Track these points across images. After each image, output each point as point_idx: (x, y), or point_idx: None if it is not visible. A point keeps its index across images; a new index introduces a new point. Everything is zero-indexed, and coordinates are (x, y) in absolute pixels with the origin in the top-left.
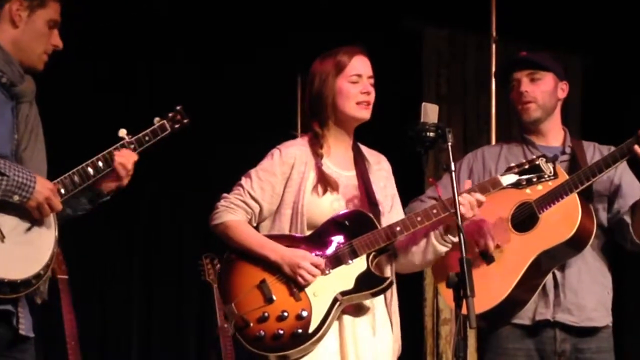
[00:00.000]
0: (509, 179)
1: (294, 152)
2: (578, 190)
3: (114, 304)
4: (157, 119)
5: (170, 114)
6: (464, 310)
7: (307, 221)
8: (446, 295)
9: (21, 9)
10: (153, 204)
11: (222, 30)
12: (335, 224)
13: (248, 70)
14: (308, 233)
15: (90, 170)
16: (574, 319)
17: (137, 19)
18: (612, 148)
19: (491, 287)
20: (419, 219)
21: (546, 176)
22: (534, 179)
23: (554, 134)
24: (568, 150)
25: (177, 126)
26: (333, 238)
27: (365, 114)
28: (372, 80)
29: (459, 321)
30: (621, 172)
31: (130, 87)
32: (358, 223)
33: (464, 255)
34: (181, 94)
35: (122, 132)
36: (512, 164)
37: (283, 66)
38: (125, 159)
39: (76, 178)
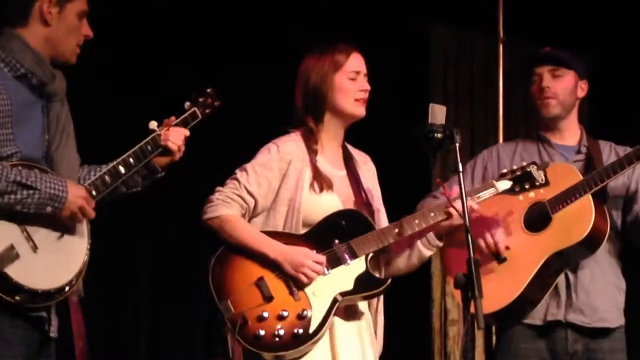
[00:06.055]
0: (504, 184)
1: (291, 148)
2: (592, 191)
3: (121, 302)
4: (187, 104)
5: (200, 99)
6: (472, 311)
7: (302, 219)
8: (458, 295)
9: (51, 6)
10: (159, 198)
11: (223, 25)
12: (331, 223)
13: (249, 66)
14: (303, 231)
15: (121, 168)
16: (586, 319)
17: (140, 18)
18: (628, 149)
19: (503, 286)
20: (416, 221)
21: (537, 183)
22: (526, 186)
23: (570, 133)
24: (584, 150)
25: (207, 111)
26: (330, 237)
27: (362, 110)
28: (366, 78)
29: (467, 322)
30: (637, 173)
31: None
32: (354, 223)
33: (472, 256)
34: (182, 91)
35: (153, 125)
36: (505, 170)
37: (286, 65)
38: (175, 137)
39: (107, 178)
